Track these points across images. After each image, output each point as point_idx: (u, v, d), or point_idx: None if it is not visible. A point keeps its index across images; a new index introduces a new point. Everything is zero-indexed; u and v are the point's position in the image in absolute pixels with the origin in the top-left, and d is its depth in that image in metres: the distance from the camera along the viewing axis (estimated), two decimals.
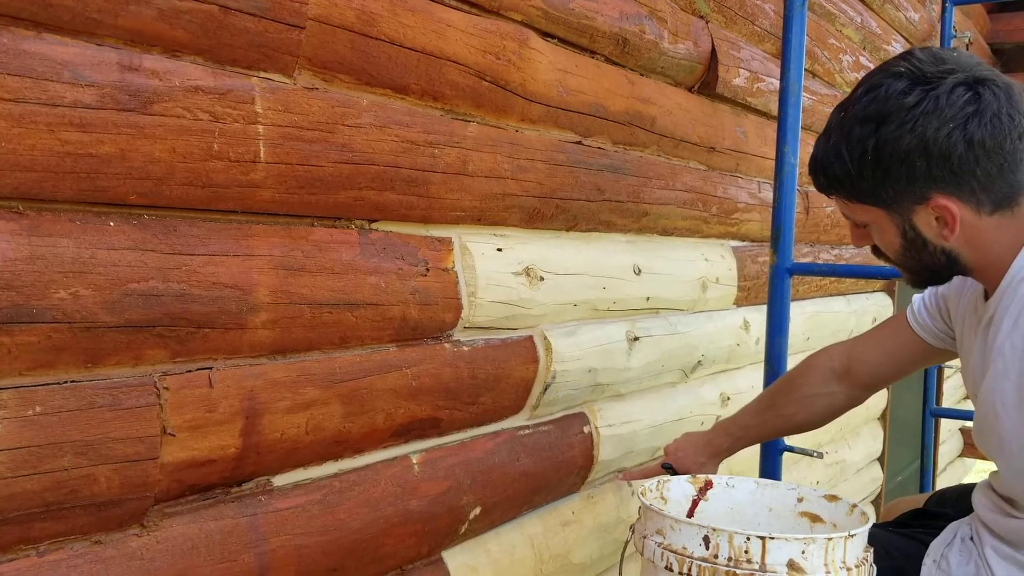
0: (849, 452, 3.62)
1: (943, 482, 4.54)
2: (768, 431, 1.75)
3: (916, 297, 1.57)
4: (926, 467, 3.39)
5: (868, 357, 1.63)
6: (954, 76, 1.18)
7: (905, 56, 1.23)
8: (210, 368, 1.15)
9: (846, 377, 1.65)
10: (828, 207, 3.16)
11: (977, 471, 6.01)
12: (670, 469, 1.74)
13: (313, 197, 1.26)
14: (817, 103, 2.99)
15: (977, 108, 1.16)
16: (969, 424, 5.61)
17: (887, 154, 1.20)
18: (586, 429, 1.92)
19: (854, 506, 1.41)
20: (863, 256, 3.62)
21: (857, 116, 1.23)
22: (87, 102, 0.98)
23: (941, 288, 1.49)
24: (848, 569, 1.22)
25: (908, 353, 1.58)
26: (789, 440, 2.08)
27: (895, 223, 1.27)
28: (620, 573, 1.52)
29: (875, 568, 1.29)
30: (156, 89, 1.04)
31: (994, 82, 1.18)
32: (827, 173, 1.29)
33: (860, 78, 1.26)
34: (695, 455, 1.73)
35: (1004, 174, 1.19)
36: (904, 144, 1.19)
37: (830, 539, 1.21)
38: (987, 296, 1.31)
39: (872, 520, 1.33)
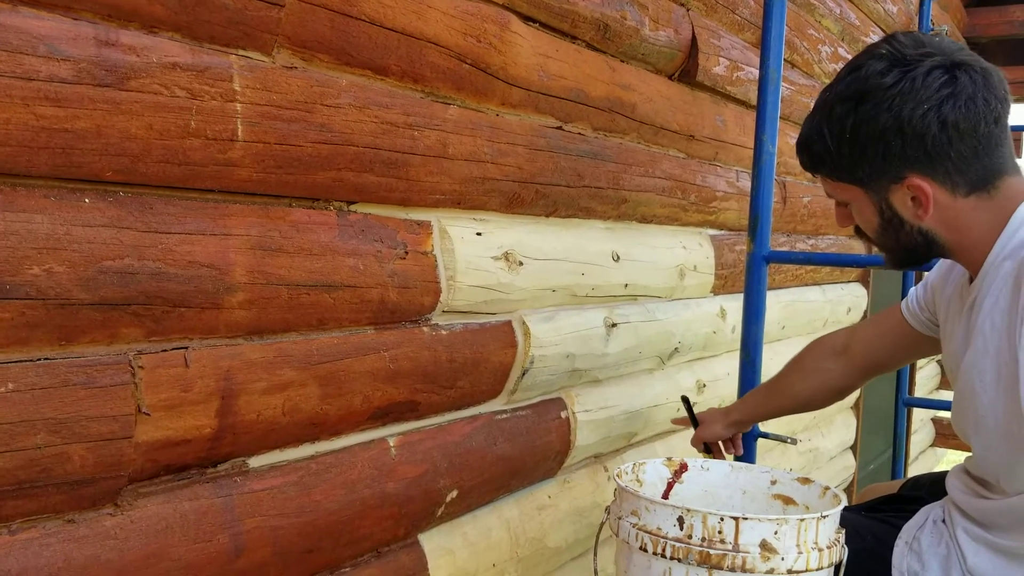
0: (822, 440, 3.66)
1: (914, 471, 4.59)
2: (775, 403, 1.85)
3: (912, 288, 1.63)
4: (898, 456, 3.44)
5: (864, 337, 1.72)
6: (932, 59, 1.20)
7: (888, 39, 1.26)
8: (186, 348, 1.14)
9: (844, 354, 1.74)
10: (805, 197, 3.19)
11: (948, 461, 6.10)
12: (696, 425, 1.91)
13: (291, 177, 1.25)
14: (796, 93, 3.00)
15: (952, 91, 1.19)
16: (942, 414, 5.70)
17: (864, 132, 1.23)
18: (563, 414, 1.93)
19: (827, 488, 1.42)
20: (839, 247, 3.65)
21: (839, 95, 1.26)
22: (63, 76, 0.97)
23: (932, 279, 1.54)
24: (820, 550, 1.24)
25: (897, 337, 1.65)
26: (763, 427, 2.11)
27: (873, 202, 1.30)
28: (595, 556, 1.53)
29: (847, 549, 1.31)
30: (133, 65, 1.03)
31: (972, 67, 1.20)
32: (810, 151, 1.33)
33: (839, 69, 1.29)
34: (712, 422, 1.88)
35: (979, 157, 1.21)
36: (880, 123, 1.21)
37: (802, 520, 1.23)
38: (972, 281, 1.33)
39: (844, 502, 1.35)
